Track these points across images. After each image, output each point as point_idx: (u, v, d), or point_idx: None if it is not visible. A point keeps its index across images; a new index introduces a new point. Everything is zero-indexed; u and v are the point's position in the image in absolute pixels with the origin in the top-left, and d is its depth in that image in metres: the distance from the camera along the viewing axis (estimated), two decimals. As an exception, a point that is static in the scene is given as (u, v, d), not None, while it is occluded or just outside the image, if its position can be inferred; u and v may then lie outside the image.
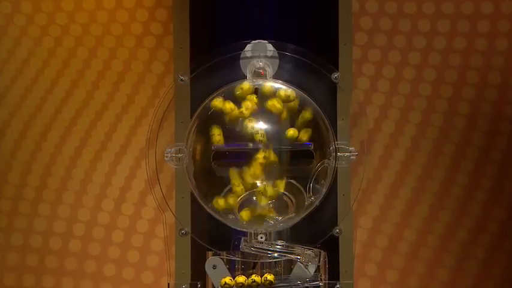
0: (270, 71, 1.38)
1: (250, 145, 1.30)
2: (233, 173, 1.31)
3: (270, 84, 1.34)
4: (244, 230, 1.34)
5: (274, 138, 1.31)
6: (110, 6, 1.69)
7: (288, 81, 1.36)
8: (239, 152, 1.31)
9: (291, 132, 1.31)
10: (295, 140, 1.31)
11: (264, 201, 1.30)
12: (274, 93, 1.33)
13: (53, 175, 1.69)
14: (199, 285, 1.40)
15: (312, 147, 1.34)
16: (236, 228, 1.35)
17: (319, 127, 1.35)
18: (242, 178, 1.31)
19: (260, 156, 1.29)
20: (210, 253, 1.37)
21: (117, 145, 1.68)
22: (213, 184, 1.35)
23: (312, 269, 1.33)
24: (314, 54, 1.38)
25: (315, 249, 1.33)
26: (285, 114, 1.32)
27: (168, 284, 1.43)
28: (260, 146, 1.30)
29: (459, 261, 1.64)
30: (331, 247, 1.41)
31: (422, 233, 1.65)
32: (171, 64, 1.62)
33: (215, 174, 1.33)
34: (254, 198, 1.31)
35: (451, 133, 1.64)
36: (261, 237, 1.33)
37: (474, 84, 1.64)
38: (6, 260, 1.69)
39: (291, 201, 1.34)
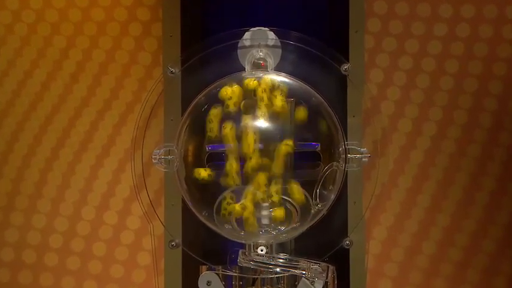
0: (271, 62, 1.38)
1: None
2: None
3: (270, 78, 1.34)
4: (243, 241, 1.34)
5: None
6: (91, -12, 1.69)
7: (291, 74, 1.36)
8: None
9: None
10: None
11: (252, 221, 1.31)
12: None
13: (26, 180, 1.69)
14: (191, 304, 1.40)
15: (319, 148, 1.34)
16: (233, 239, 1.35)
17: (327, 125, 1.35)
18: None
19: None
20: (203, 268, 1.37)
21: (99, 146, 1.68)
22: (207, 189, 1.34)
23: (318, 286, 1.33)
24: (321, 43, 1.38)
25: (322, 264, 1.33)
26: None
27: (156, 302, 1.43)
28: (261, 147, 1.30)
29: (484, 277, 1.64)
30: (340, 261, 1.41)
31: (443, 245, 1.64)
32: (160, 54, 1.62)
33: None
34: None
35: (476, 132, 1.64)
36: (262, 250, 1.33)
37: (501, 77, 1.64)
38: (-26, 275, 1.70)
39: (295, 209, 1.33)
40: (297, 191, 1.32)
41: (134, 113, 1.65)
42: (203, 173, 1.32)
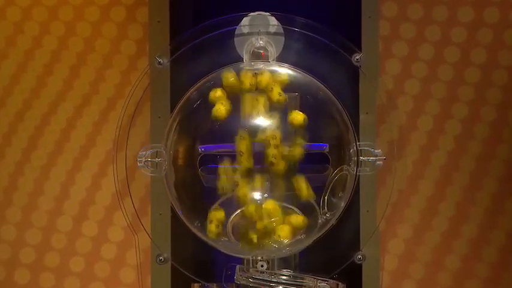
0: (273, 52, 1.38)
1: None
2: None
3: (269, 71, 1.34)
4: (240, 255, 1.35)
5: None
6: (67, -32, 1.70)
7: (296, 65, 1.37)
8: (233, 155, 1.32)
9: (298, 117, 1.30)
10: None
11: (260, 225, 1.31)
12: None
13: (-6, 185, 1.70)
14: (181, 327, 1.40)
15: (327, 149, 1.34)
16: (229, 253, 1.35)
17: (337, 123, 1.35)
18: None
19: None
20: (195, 285, 1.37)
21: (77, 147, 1.68)
22: (199, 197, 1.35)
23: (327, 306, 1.33)
24: (330, 30, 1.38)
25: (331, 281, 1.34)
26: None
27: (142, 325, 1.44)
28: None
29: (516, 296, 1.65)
30: (351, 278, 1.42)
31: (469, 260, 1.65)
32: (146, 43, 1.62)
33: (202, 184, 1.34)
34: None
35: (505, 131, 1.64)
36: (262, 266, 1.34)
37: (536, 68, 1.65)
38: None
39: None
40: (304, 186, 1.32)
41: (117, 110, 1.65)
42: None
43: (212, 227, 1.31)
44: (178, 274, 1.43)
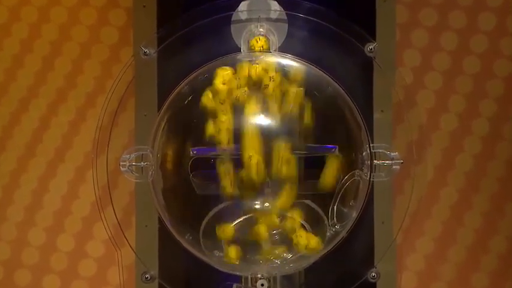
0: (274, 41, 1.38)
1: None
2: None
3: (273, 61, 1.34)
4: (237, 273, 1.35)
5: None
6: None
7: (300, 56, 1.37)
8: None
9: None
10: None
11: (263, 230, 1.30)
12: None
13: (-44, 193, 1.70)
14: None
15: (337, 151, 1.34)
16: (225, 270, 1.36)
17: (347, 123, 1.35)
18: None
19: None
20: (187, 307, 1.38)
21: (50, 149, 1.68)
22: (191, 206, 1.35)
23: (337, 331, 1.33)
24: (340, 16, 1.38)
25: (341, 302, 1.34)
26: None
27: None
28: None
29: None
30: (364, 299, 1.42)
31: (497, 278, 1.65)
32: (130, 30, 1.62)
33: (194, 192, 1.34)
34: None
35: (541, 131, 1.65)
36: (262, 284, 1.34)
37: None
38: None
39: (306, 231, 1.34)
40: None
41: (96, 107, 1.65)
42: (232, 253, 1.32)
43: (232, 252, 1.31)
44: (167, 294, 1.43)
